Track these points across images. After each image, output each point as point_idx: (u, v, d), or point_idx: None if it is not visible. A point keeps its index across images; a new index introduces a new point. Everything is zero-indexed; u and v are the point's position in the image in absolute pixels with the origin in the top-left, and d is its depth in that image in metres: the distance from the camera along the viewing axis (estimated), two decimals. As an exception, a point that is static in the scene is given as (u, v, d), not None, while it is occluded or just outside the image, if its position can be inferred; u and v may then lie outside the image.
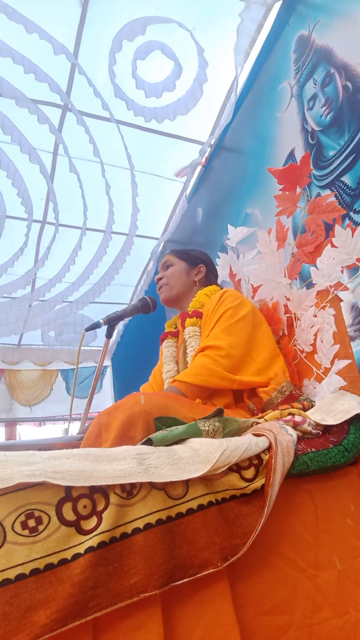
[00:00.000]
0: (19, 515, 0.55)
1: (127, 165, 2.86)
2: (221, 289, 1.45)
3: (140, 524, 0.60)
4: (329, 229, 1.18)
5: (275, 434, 0.79)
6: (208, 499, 0.67)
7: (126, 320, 4.71)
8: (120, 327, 5.09)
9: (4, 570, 0.52)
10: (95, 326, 1.28)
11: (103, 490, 0.61)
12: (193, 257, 1.57)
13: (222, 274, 1.65)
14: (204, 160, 2.99)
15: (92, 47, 2.34)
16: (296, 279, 1.33)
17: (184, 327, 1.40)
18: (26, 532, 0.55)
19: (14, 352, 5.52)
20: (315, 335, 1.16)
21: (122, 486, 0.62)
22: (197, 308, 1.40)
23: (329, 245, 1.14)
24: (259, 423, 0.92)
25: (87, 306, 4.16)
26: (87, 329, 1.28)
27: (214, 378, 1.12)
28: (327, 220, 1.21)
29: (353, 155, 1.59)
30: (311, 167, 1.34)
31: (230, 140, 2.71)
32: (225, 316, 1.25)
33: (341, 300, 1.14)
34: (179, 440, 0.79)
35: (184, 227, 3.39)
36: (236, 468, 0.72)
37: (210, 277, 1.57)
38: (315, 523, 0.78)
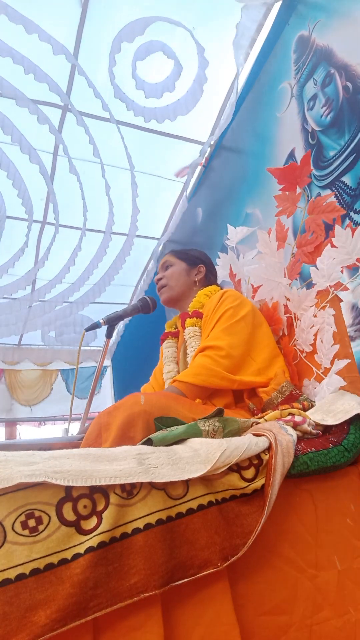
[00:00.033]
0: (19, 515, 0.55)
1: (127, 165, 2.86)
2: (221, 289, 1.45)
3: (140, 524, 0.60)
4: (329, 229, 1.18)
5: (275, 434, 0.79)
6: (208, 499, 0.67)
7: (126, 320, 4.72)
8: (120, 327, 5.09)
9: (4, 570, 0.52)
10: (95, 326, 1.28)
11: (103, 490, 0.61)
12: (192, 257, 1.57)
13: (222, 274, 1.65)
14: (204, 160, 2.99)
15: (92, 48, 2.34)
16: (296, 279, 1.33)
17: (184, 328, 1.40)
18: (26, 532, 0.55)
19: (14, 352, 5.52)
20: (315, 335, 1.16)
21: (122, 486, 0.62)
22: (197, 308, 1.40)
23: (329, 245, 1.14)
24: (259, 423, 0.92)
25: (87, 306, 4.17)
26: (87, 329, 1.28)
27: (214, 378, 1.12)
28: (327, 220, 1.22)
29: (353, 156, 1.60)
30: (311, 167, 1.34)
31: (230, 140, 2.71)
32: (225, 316, 1.25)
33: (341, 301, 1.14)
34: (179, 440, 0.79)
35: (184, 227, 3.39)
36: (236, 468, 0.72)
37: (210, 277, 1.57)
38: (315, 523, 0.78)
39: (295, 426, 0.89)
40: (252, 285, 1.48)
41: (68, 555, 0.55)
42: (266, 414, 0.98)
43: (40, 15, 2.10)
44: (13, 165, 2.87)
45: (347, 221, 1.54)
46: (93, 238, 3.49)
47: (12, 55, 2.18)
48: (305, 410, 1.02)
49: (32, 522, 0.55)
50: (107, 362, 5.97)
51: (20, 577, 0.52)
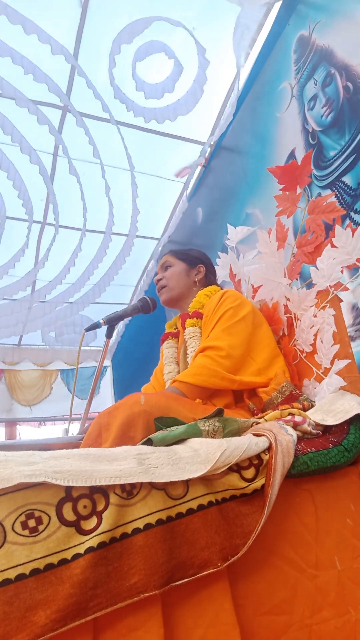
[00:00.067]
0: (19, 515, 0.55)
1: (127, 166, 2.86)
2: (221, 289, 1.44)
3: (140, 524, 0.60)
4: (329, 229, 1.18)
5: (276, 434, 0.79)
6: (208, 499, 0.67)
7: (126, 320, 4.72)
8: (120, 327, 5.10)
9: (4, 570, 0.52)
10: (95, 326, 1.28)
11: (103, 491, 0.61)
12: (192, 257, 1.56)
13: (222, 274, 1.65)
14: (204, 160, 2.99)
15: (92, 48, 2.35)
16: (296, 279, 1.33)
17: (184, 328, 1.40)
18: (26, 532, 0.55)
19: (14, 352, 5.52)
20: (315, 335, 1.16)
21: (122, 486, 0.62)
22: (197, 308, 1.40)
23: (329, 245, 1.14)
24: (259, 423, 0.92)
25: (87, 307, 4.17)
26: (87, 329, 1.28)
27: (215, 378, 1.12)
28: (327, 220, 1.22)
29: (354, 156, 1.60)
30: (312, 167, 1.34)
31: (230, 140, 2.71)
32: (225, 317, 1.25)
33: (341, 301, 1.14)
34: (179, 440, 0.79)
35: (184, 228, 3.39)
36: (236, 468, 0.72)
37: (210, 277, 1.56)
38: (315, 523, 0.77)
39: (295, 426, 0.89)
40: (252, 286, 1.48)
41: (68, 555, 0.55)
42: (266, 414, 0.98)
43: (40, 16, 2.10)
44: (13, 166, 2.88)
45: (348, 221, 1.54)
46: (93, 239, 3.49)
47: (12, 55, 2.19)
48: (305, 410, 1.02)
49: (32, 522, 0.55)
50: (107, 362, 5.97)
51: (20, 577, 0.52)
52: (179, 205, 3.37)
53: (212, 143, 2.85)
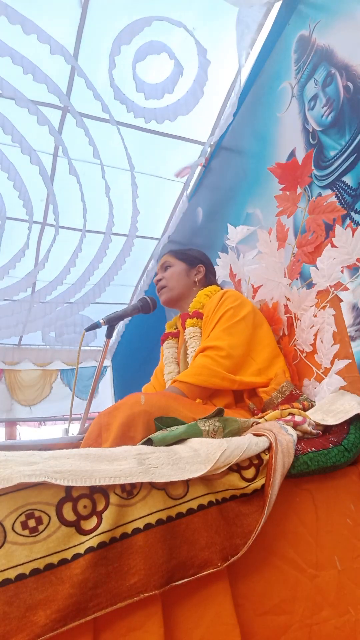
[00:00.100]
0: (19, 515, 0.55)
1: (128, 166, 2.86)
2: (221, 289, 1.44)
3: (140, 524, 0.60)
4: (329, 229, 1.18)
5: (276, 434, 0.79)
6: (208, 499, 0.67)
7: (126, 320, 4.72)
8: (120, 327, 5.10)
9: (4, 570, 0.52)
10: (95, 326, 1.28)
11: (103, 490, 0.61)
12: (192, 257, 1.56)
13: (222, 274, 1.65)
14: (204, 160, 2.99)
15: (92, 48, 2.35)
16: (296, 279, 1.33)
17: (184, 328, 1.40)
18: (26, 532, 0.55)
19: (14, 352, 5.52)
20: (315, 335, 1.16)
21: (122, 486, 0.62)
22: (197, 309, 1.40)
23: (329, 245, 1.14)
24: (259, 423, 0.92)
25: (87, 307, 4.17)
26: (87, 329, 1.28)
27: (215, 378, 1.12)
28: (327, 220, 1.21)
29: (354, 156, 1.60)
30: (312, 167, 1.34)
31: (230, 140, 2.71)
32: (225, 317, 1.25)
33: (341, 301, 1.14)
34: (179, 440, 0.79)
35: (184, 228, 3.38)
36: (236, 468, 0.72)
37: (210, 277, 1.56)
38: (315, 523, 0.77)
39: (295, 426, 0.89)
40: (253, 285, 1.48)
41: (68, 555, 0.55)
42: (266, 414, 0.98)
43: (40, 16, 2.10)
44: (13, 167, 2.88)
45: (348, 221, 1.54)
46: (93, 239, 3.49)
47: (12, 55, 2.19)
48: (305, 410, 1.02)
49: (32, 522, 0.55)
50: (107, 362, 5.97)
51: (20, 577, 0.52)
52: (179, 206, 3.37)
53: (212, 143, 2.85)
